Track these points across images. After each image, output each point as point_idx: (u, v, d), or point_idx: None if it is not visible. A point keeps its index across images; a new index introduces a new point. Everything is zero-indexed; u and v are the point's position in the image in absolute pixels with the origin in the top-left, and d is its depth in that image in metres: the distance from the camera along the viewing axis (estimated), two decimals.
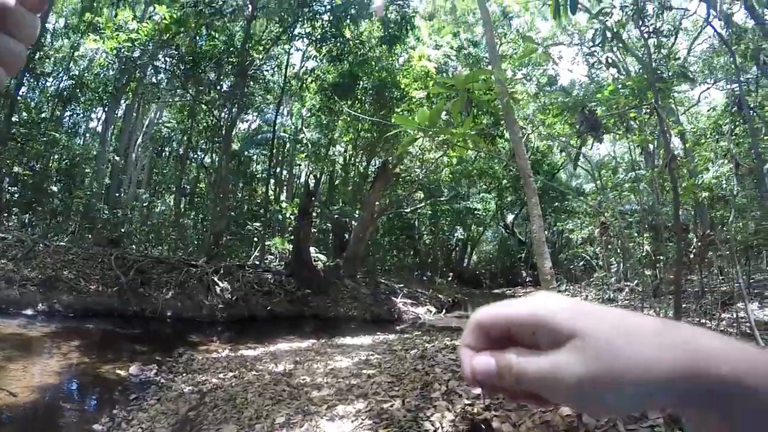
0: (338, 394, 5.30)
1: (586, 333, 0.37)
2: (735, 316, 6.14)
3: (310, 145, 23.20)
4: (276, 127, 20.96)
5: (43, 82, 21.05)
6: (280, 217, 20.36)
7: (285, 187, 26.33)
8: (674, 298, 4.69)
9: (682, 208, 9.86)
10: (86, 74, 20.39)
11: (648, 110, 5.90)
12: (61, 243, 14.29)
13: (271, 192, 22.65)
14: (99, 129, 20.96)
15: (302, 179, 26.90)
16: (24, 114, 18.24)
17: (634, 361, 0.36)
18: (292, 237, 17.20)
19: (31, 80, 19.60)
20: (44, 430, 4.82)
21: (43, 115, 19.59)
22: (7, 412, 5.06)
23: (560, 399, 0.39)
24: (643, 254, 9.04)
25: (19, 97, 17.80)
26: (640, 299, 7.47)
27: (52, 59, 20.46)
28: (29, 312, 10.04)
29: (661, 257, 7.63)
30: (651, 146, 10.33)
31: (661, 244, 7.52)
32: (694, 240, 7.76)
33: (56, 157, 19.59)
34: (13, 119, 16.86)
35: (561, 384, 0.37)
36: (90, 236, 16.53)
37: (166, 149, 26.48)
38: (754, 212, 10.10)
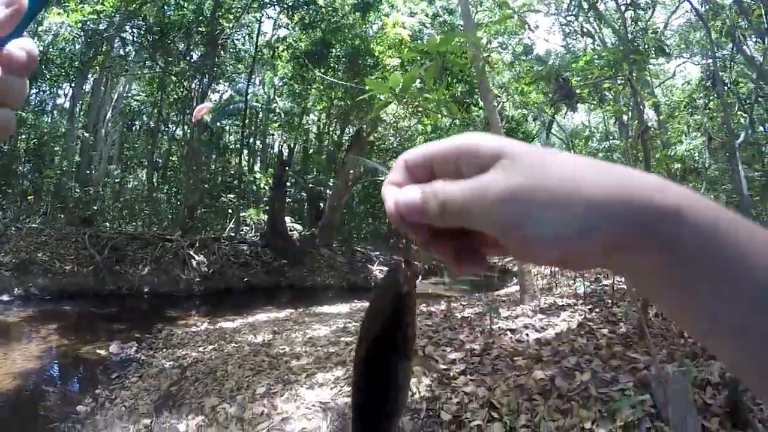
0: (317, 363, 5.39)
1: (514, 153, 0.35)
2: None
3: (283, 115, 22.92)
4: (248, 97, 20.66)
5: None
6: (254, 187, 20.20)
7: (258, 158, 26.03)
8: None
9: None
10: (51, 49, 19.69)
11: (623, 81, 5.96)
12: (33, 225, 14.07)
13: (244, 163, 22.43)
14: (67, 105, 20.37)
15: (276, 149, 26.62)
16: None
17: (566, 177, 0.33)
18: (267, 207, 17.12)
19: None
20: (29, 416, 4.84)
21: None
22: None
23: (488, 224, 0.35)
24: None
25: None
26: None
27: None
28: (5, 297, 9.93)
29: None
30: (625, 117, 10.45)
31: None
32: None
33: (24, 136, 19.11)
34: None
35: (487, 200, 0.34)
36: (62, 216, 16.26)
37: (137, 123, 25.89)
38: (726, 185, 10.33)
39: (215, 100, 25.06)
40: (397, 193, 0.39)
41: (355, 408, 0.45)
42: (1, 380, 5.55)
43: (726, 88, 9.13)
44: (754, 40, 8.49)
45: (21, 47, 0.38)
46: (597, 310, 5.94)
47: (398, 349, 0.43)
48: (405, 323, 0.43)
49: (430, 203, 0.37)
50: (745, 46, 6.17)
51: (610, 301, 6.28)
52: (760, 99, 7.86)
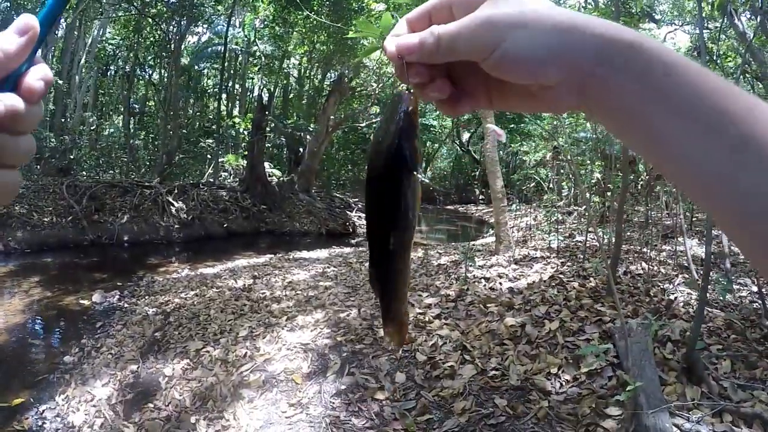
0: (297, 306, 5.54)
1: None
2: (674, 249, 6.52)
3: (263, 58, 22.45)
4: (227, 40, 20.15)
5: None
6: (233, 132, 19.95)
7: (238, 102, 25.59)
8: (616, 224, 4.98)
9: None
10: None
11: None
12: None
13: (223, 107, 22.06)
14: (39, 52, 19.57)
15: (255, 93, 26.18)
16: None
17: (540, 9, 0.40)
18: (246, 153, 16.97)
19: None
20: (16, 370, 4.88)
21: None
22: None
23: (473, 48, 0.41)
24: (593, 182, 9.32)
25: None
26: (586, 224, 7.81)
27: None
28: None
29: (611, 186, 7.92)
30: None
31: (612, 174, 7.79)
32: (644, 173, 8.03)
33: None
34: None
35: (473, 26, 0.41)
36: (38, 167, 15.92)
37: (112, 68, 25.07)
38: None
39: (193, 43, 24.38)
40: (399, 38, 0.45)
41: (370, 229, 0.50)
42: None
43: (713, 59, 9.13)
44: (748, 16, 8.46)
45: (39, 78, 0.40)
46: (569, 264, 6.10)
47: (407, 161, 0.46)
48: (411, 137, 0.47)
49: (427, 39, 0.43)
50: (738, 21, 6.16)
51: (582, 256, 6.45)
52: (746, 74, 7.90)
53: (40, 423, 3.80)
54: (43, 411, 3.95)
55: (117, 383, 4.20)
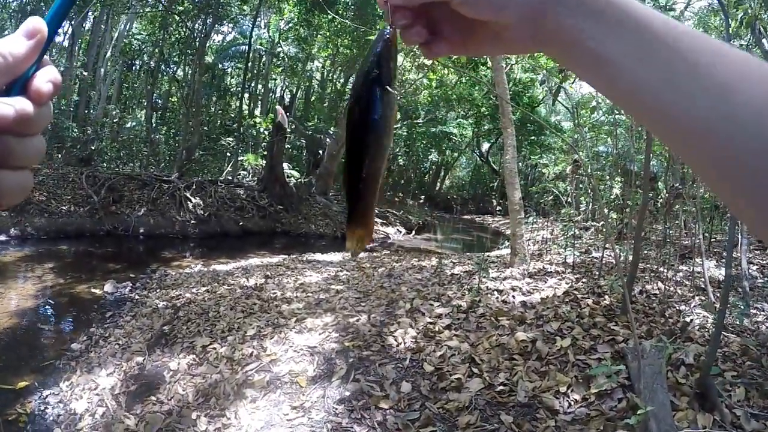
0: (307, 308, 5.51)
1: None
2: (692, 270, 6.39)
3: (286, 60, 22.58)
4: (252, 40, 20.31)
5: None
6: (253, 132, 20.07)
7: (260, 102, 25.76)
8: (634, 243, 4.88)
9: (656, 159, 9.95)
10: None
11: None
12: None
13: (245, 106, 22.21)
14: (66, 44, 19.90)
15: (277, 94, 26.34)
16: None
17: None
18: (266, 153, 17.05)
19: None
20: (23, 354, 4.92)
21: (6, 32, 18.46)
22: None
23: None
24: (612, 197, 9.21)
25: None
26: (603, 240, 7.70)
27: None
28: (2, 237, 9.94)
29: (629, 203, 7.80)
30: None
31: (631, 190, 7.67)
32: (664, 191, 7.89)
33: None
34: None
35: None
36: (60, 156, 16.13)
37: (137, 63, 25.42)
38: None
39: (218, 42, 24.57)
40: None
41: (348, 137, 0.53)
42: None
43: None
44: None
45: (48, 80, 0.39)
46: (584, 280, 6.01)
47: (382, 76, 0.51)
48: (387, 59, 0.52)
49: None
50: (764, 40, 6.02)
51: (597, 273, 6.35)
52: None
53: (42, 408, 3.81)
54: (47, 396, 3.96)
55: (122, 374, 4.21)
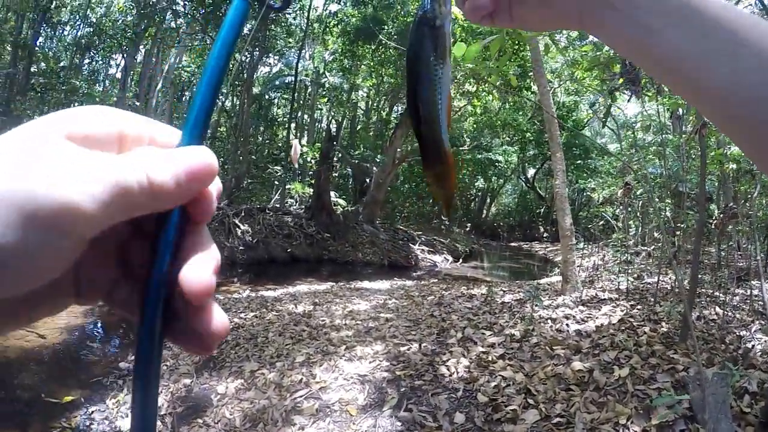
0: (356, 336, 5.46)
1: None
2: (749, 293, 6.11)
3: (332, 90, 22.97)
4: (298, 71, 20.76)
5: (61, 31, 20.86)
6: (301, 161, 20.39)
7: (306, 131, 26.23)
8: (692, 267, 4.69)
9: (707, 178, 9.63)
10: (104, 21, 20.11)
11: None
12: None
13: (292, 136, 22.61)
14: (119, 75, 20.87)
15: (323, 124, 26.76)
16: (42, 64, 18.18)
17: None
18: (313, 181, 17.26)
19: (48, 29, 19.46)
20: (73, 370, 5.02)
21: (61, 64, 19.43)
22: (38, 353, 5.29)
23: None
24: (663, 220, 8.98)
25: (36, 48, 17.71)
26: (656, 265, 7.44)
27: (69, 7, 20.21)
28: None
29: (681, 225, 7.55)
30: (680, 111, 10.04)
31: (683, 212, 7.43)
32: (716, 211, 7.64)
33: (77, 104, 19.64)
34: (32, 70, 16.80)
35: None
36: None
37: (187, 94, 26.37)
38: None
39: (265, 73, 25.21)
40: None
41: (407, 74, 0.52)
42: (48, 333, 5.78)
43: None
44: None
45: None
46: (639, 307, 5.81)
47: (434, 11, 0.50)
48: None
49: None
50: None
51: (652, 299, 6.14)
52: None
53: (87, 423, 3.85)
54: (92, 412, 4.01)
55: (169, 395, 4.22)
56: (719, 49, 0.39)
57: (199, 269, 0.29)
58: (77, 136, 0.28)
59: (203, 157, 0.30)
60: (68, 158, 0.26)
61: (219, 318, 0.31)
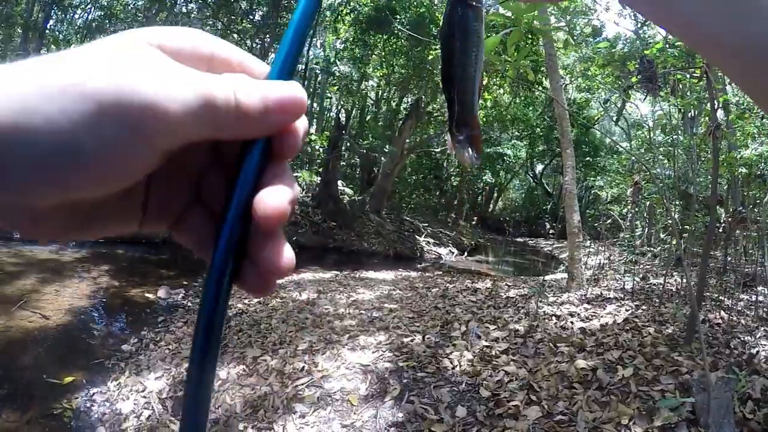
0: (360, 326, 5.45)
1: None
2: (755, 299, 6.07)
3: (342, 79, 22.87)
4: (308, 59, 20.67)
5: (71, 14, 20.74)
6: (308, 149, 20.36)
7: (315, 120, 26.17)
8: (700, 269, 4.66)
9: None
10: (115, 4, 20.01)
11: (698, 74, 5.68)
12: None
13: None
14: None
15: (333, 112, 26.69)
16: (53, 47, 18.11)
17: None
18: (320, 170, 17.24)
19: (59, 13, 19.35)
20: (75, 351, 5.01)
21: (72, 47, 19.35)
22: (41, 334, 5.29)
23: None
24: (673, 221, 8.96)
25: (47, 31, 17.66)
26: (662, 266, 7.39)
27: None
28: None
29: (688, 227, 7.49)
30: (691, 112, 9.93)
31: (691, 214, 7.37)
32: (723, 215, 7.58)
33: None
34: (42, 52, 16.75)
35: None
36: None
37: None
38: None
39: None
40: None
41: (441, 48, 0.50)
42: (52, 314, 5.79)
43: None
44: None
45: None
46: (644, 307, 5.79)
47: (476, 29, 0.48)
48: None
49: None
50: None
51: (658, 300, 6.10)
52: None
53: (88, 405, 3.85)
54: (93, 393, 4.00)
55: (170, 378, 4.22)
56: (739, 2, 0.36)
57: (276, 193, 0.28)
58: (169, 49, 0.28)
59: (294, 89, 0.29)
60: (158, 64, 0.26)
61: (287, 252, 0.31)
